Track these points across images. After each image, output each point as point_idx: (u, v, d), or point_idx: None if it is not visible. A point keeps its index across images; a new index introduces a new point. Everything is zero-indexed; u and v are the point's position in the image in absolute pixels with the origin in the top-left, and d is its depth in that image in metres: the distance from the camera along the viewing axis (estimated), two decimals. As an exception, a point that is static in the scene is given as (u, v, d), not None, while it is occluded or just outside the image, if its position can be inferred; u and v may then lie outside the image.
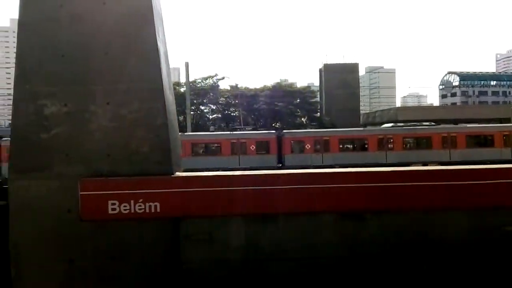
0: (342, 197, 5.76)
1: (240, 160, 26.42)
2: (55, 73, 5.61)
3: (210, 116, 55.67)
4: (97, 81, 5.64)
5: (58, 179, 5.55)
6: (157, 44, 5.72)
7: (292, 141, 27.94)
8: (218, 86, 53.10)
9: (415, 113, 42.93)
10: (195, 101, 48.63)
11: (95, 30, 5.67)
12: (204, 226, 5.78)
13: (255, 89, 55.31)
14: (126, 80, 5.67)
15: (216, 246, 5.80)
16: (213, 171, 6.81)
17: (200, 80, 52.09)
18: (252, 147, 27.39)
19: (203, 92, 51.07)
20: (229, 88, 54.42)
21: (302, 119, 53.44)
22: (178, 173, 5.96)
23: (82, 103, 5.60)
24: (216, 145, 28.51)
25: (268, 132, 29.95)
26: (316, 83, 74.71)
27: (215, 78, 52.43)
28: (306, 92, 56.15)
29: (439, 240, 5.86)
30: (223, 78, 52.84)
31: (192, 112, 42.85)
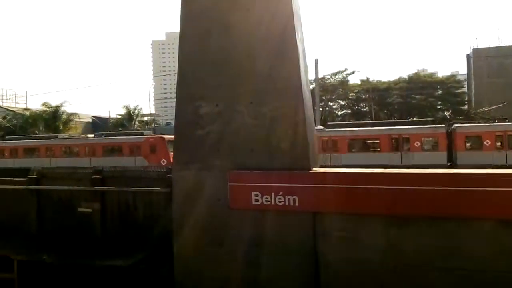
0: (501, 202, 4.92)
1: None
2: (208, 77, 6.36)
3: (339, 112, 54.51)
4: (242, 83, 6.15)
5: (211, 171, 6.29)
6: (296, 44, 5.90)
7: None
8: (347, 81, 51.59)
9: None
10: (323, 98, 48.37)
11: (240, 36, 6.20)
12: (340, 223, 5.72)
13: (389, 81, 51.68)
14: (267, 80, 6.03)
15: (352, 245, 5.68)
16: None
17: (329, 76, 51.47)
18: None
19: (332, 88, 50.38)
20: (359, 82, 52.27)
21: (445, 112, 47.49)
22: (315, 169, 6.05)
23: (230, 103, 6.20)
24: None
25: None
26: (462, 71, 65.24)
27: (344, 73, 51.05)
28: (449, 83, 49.64)
29: None
30: (353, 72, 51.03)
31: (320, 109, 42.78)
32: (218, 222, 6.22)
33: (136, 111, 57.46)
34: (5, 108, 64.44)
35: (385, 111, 49.72)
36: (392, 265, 5.44)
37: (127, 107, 56.90)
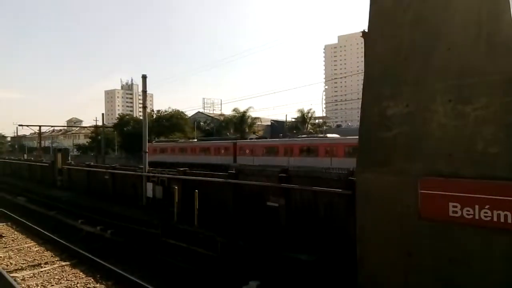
0: None
1: None
2: (397, 76, 6.00)
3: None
4: (439, 79, 5.53)
5: (398, 175, 5.90)
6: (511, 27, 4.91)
7: None
8: None
9: None
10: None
11: (438, 28, 5.59)
12: None
13: None
14: (471, 74, 5.23)
15: None
16: None
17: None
18: None
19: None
20: None
21: None
22: (538, 180, 4.89)
23: (422, 103, 5.68)
24: None
25: None
26: None
27: None
28: None
29: None
30: None
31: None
32: (406, 231, 5.79)
33: (309, 115, 60.12)
34: (205, 114, 78.28)
35: None
36: None
37: (301, 111, 60.24)
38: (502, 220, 4.88)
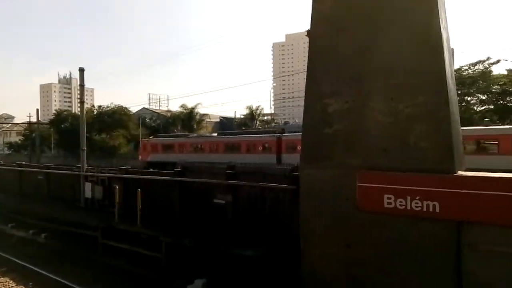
0: None
1: None
2: (339, 73, 6.20)
3: (478, 108, 47.30)
4: (376, 78, 5.81)
5: (338, 170, 6.12)
6: (440, 32, 5.30)
7: None
8: (490, 71, 44.36)
9: None
10: (459, 92, 42.66)
11: (376, 29, 5.86)
12: (497, 237, 4.91)
13: (548, 70, 42.51)
14: (404, 74, 5.57)
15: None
16: None
17: (466, 67, 45.23)
18: None
19: (470, 80, 44.06)
20: (506, 73, 44.43)
21: None
22: (460, 172, 5.35)
23: (361, 100, 5.93)
24: None
25: None
26: None
27: (486, 62, 44.08)
28: None
29: None
30: (497, 61, 43.65)
31: (456, 105, 37.76)
32: (345, 223, 6.04)
33: (258, 111, 60.63)
34: (151, 110, 75.67)
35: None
36: None
37: (249, 108, 60.53)
38: (431, 210, 5.25)
